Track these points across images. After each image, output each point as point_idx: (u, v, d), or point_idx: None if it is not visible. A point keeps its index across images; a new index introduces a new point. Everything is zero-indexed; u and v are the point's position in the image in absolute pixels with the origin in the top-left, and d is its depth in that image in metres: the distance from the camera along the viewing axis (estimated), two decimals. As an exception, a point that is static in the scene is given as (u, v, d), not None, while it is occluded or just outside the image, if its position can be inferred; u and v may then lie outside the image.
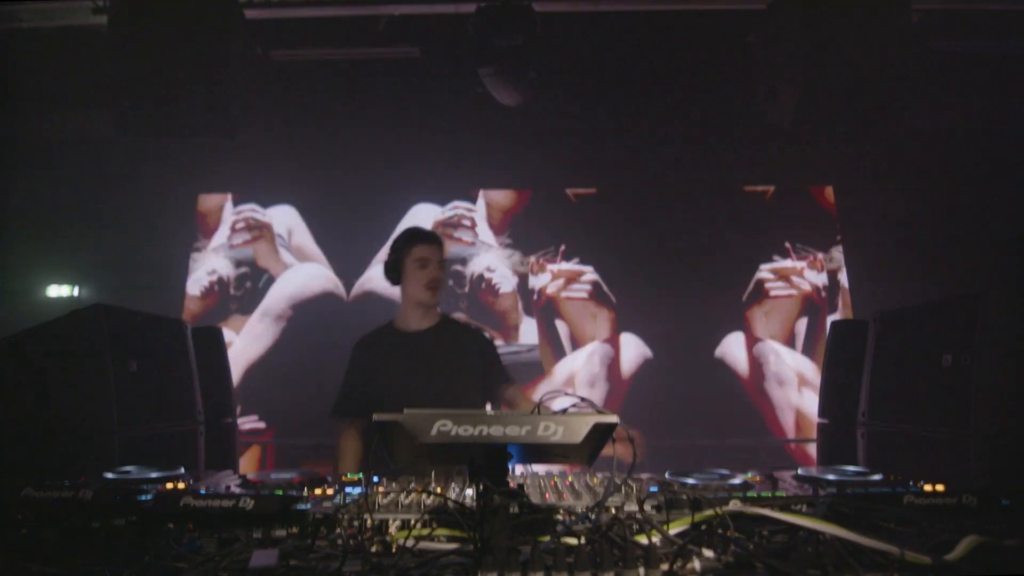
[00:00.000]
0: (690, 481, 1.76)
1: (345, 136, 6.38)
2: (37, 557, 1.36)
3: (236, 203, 6.87)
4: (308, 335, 6.45)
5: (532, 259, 6.68)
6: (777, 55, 4.52)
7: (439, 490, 1.73)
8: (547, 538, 1.30)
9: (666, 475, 1.86)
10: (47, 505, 1.62)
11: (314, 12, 4.99)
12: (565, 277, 6.69)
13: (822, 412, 3.75)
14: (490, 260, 6.70)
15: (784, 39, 4.43)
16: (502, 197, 6.84)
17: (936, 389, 2.80)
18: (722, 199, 6.76)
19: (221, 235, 6.82)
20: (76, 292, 6.51)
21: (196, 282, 6.73)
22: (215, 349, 3.81)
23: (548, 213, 6.79)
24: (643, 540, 1.31)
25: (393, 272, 2.92)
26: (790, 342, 6.52)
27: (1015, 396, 2.53)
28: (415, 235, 2.94)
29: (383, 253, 3.13)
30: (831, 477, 1.79)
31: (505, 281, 6.63)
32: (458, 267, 6.65)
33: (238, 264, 6.75)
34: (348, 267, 6.67)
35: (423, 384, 2.80)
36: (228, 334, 6.10)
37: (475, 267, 6.68)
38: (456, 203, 6.82)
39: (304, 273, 6.72)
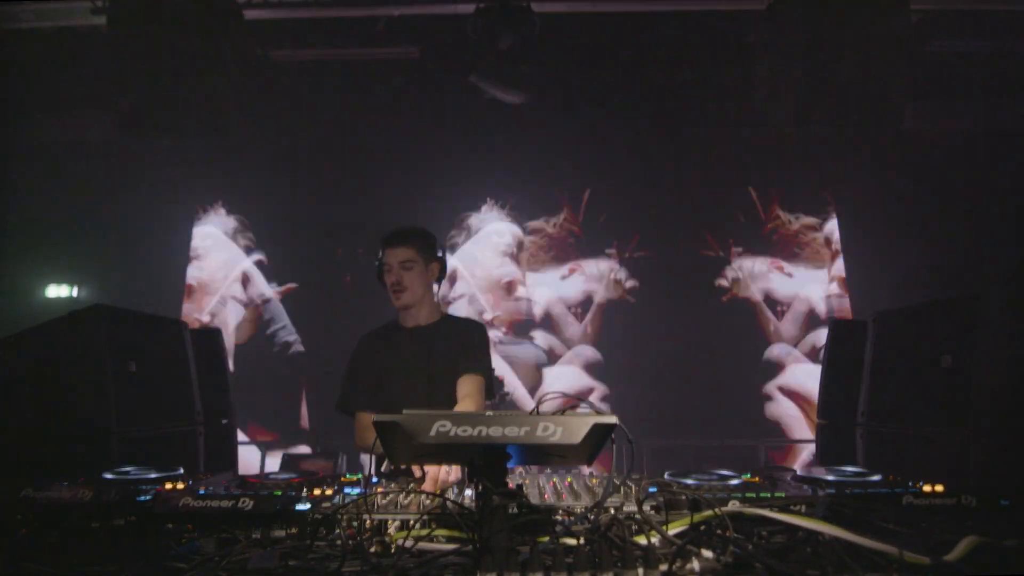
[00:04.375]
0: (689, 482, 1.76)
1: (344, 136, 6.38)
2: (37, 557, 1.36)
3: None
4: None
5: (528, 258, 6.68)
6: (777, 56, 4.52)
7: (438, 490, 1.73)
8: (546, 538, 1.30)
9: (665, 475, 1.86)
10: (47, 505, 1.62)
11: (313, 12, 4.99)
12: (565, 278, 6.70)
13: (822, 412, 3.75)
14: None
15: (784, 40, 4.43)
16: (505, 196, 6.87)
17: (936, 389, 2.79)
18: (722, 199, 6.76)
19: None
20: (76, 292, 6.51)
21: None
22: (214, 350, 3.81)
23: (548, 213, 6.80)
24: (642, 540, 1.31)
25: (379, 278, 2.88)
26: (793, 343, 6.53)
27: (1015, 396, 2.53)
28: (382, 240, 2.85)
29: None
30: (830, 477, 1.78)
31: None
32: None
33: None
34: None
35: (418, 379, 2.80)
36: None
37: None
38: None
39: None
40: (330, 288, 6.63)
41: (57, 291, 6.50)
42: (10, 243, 6.14)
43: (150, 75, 4.33)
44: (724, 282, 6.58)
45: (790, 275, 6.63)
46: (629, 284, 6.57)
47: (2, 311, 5.96)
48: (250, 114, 5.01)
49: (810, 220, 6.73)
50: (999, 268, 5.47)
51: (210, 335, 3.89)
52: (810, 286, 6.61)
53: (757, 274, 6.63)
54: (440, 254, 2.89)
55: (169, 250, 6.71)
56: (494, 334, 6.46)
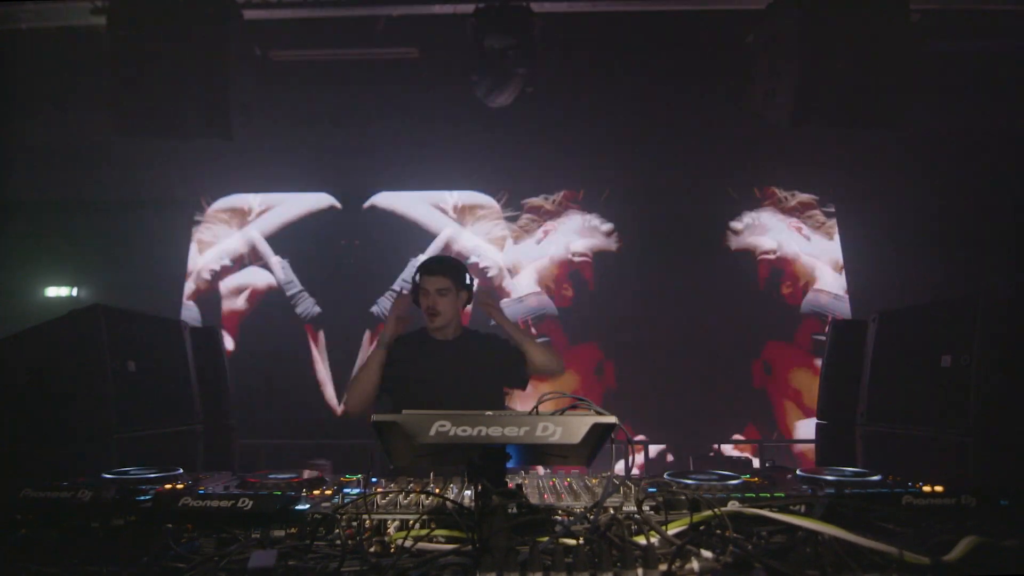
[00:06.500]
0: (689, 482, 1.75)
1: (343, 136, 6.38)
2: (37, 557, 1.36)
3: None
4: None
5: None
6: (776, 55, 4.51)
7: (437, 490, 1.73)
8: (546, 538, 1.30)
9: (665, 475, 1.86)
10: (47, 505, 1.62)
11: (313, 12, 4.98)
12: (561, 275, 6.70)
13: (821, 412, 3.75)
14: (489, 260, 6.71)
15: (783, 39, 4.43)
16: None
17: (936, 389, 2.79)
18: (721, 199, 6.76)
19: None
20: (75, 292, 6.51)
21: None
22: (213, 350, 3.81)
23: (547, 214, 6.80)
24: (641, 540, 1.31)
25: (414, 298, 3.12)
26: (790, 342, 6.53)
27: (1015, 396, 2.53)
28: (419, 266, 3.11)
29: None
30: (830, 477, 1.78)
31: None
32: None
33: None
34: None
35: (447, 386, 2.97)
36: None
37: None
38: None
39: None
40: (331, 285, 6.64)
41: (57, 291, 6.50)
42: (10, 243, 6.14)
43: (150, 75, 4.32)
44: (726, 282, 6.58)
45: (789, 275, 6.64)
46: (631, 283, 6.58)
47: (2, 311, 5.96)
48: (249, 114, 5.00)
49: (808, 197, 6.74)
50: (999, 268, 5.48)
51: (210, 335, 3.89)
52: (811, 277, 6.62)
53: (756, 273, 6.63)
54: (469, 282, 3.12)
55: (169, 250, 6.71)
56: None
